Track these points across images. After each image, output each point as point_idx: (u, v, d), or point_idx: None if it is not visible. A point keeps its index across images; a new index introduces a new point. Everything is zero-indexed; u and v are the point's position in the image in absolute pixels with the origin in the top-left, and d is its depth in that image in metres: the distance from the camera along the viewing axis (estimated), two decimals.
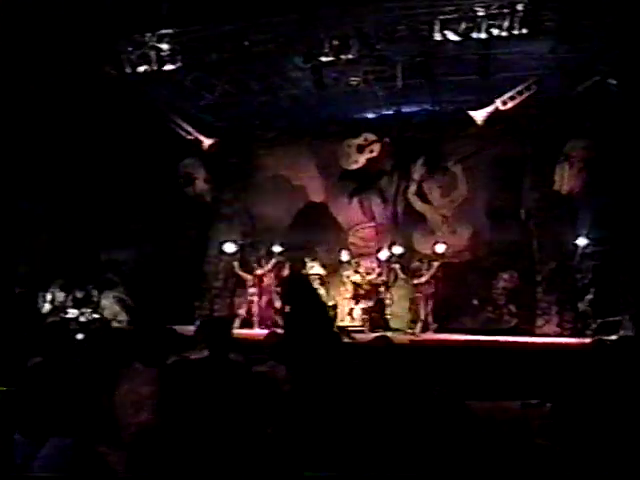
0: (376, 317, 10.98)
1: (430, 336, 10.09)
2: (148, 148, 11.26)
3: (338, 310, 10.80)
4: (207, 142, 10.97)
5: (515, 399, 4.20)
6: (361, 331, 10.37)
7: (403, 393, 2.86)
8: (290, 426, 2.83)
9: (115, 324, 11.08)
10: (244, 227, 12.40)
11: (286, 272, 10.91)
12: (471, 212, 11.50)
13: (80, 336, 6.23)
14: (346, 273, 11.38)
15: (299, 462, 2.61)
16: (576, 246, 10.48)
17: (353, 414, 2.69)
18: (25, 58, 8.63)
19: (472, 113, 10.05)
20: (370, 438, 2.57)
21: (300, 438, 2.73)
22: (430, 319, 10.57)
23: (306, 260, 11.52)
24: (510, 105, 9.81)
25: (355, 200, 12.18)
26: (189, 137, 10.87)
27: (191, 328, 5.48)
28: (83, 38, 8.85)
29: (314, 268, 11.39)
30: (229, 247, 11.53)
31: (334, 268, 11.72)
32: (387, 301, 11.23)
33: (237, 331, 8.67)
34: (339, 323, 10.49)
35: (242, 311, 11.12)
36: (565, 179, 10.54)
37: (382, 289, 11.22)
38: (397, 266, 11.18)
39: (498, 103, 9.87)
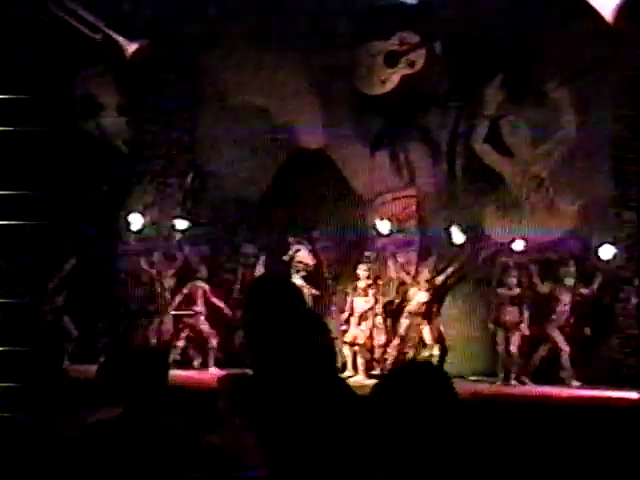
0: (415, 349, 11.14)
1: (518, 389, 10.16)
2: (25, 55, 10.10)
3: (348, 329, 11.05)
4: (129, 47, 11.05)
5: None
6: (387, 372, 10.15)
7: None
8: None
9: None
10: (184, 197, 12.28)
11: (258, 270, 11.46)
12: (585, 171, 11.18)
13: None
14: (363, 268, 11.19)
15: None
16: None
17: None
18: None
19: (596, 2, 9.56)
20: None
21: None
22: (518, 359, 10.60)
23: (290, 240, 11.64)
24: None
25: (383, 151, 11.86)
26: (96, 37, 11.00)
27: (93, 368, 5.09)
28: None
29: (300, 253, 11.63)
30: (136, 221, 11.68)
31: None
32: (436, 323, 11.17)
33: (175, 372, 8.40)
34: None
35: (181, 341, 11.50)
36: None
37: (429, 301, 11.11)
38: (452, 267, 11.11)
39: None
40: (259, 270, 11.31)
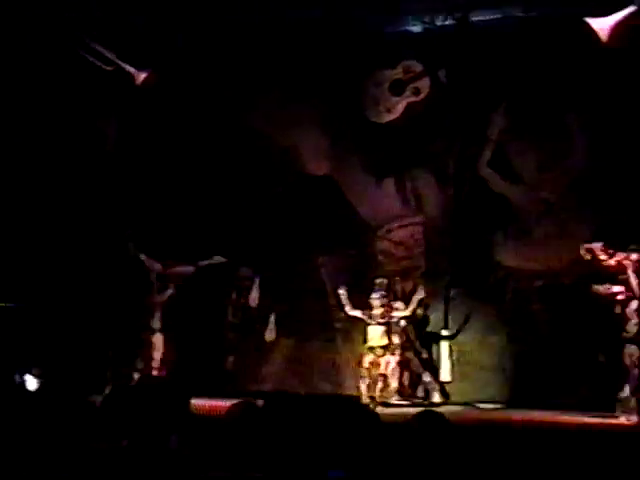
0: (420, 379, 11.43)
1: (514, 415, 10.23)
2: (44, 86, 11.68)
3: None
4: (139, 76, 11.38)
5: None
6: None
7: None
8: None
9: None
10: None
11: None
12: (594, 197, 11.24)
13: None
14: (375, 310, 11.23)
15: None
16: None
17: None
18: None
19: (592, 22, 9.99)
20: None
21: None
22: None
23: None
24: None
25: (389, 179, 12.14)
26: (108, 68, 11.30)
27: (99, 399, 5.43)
28: None
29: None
30: None
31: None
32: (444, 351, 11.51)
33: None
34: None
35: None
36: None
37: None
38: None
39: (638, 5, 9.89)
40: (254, 293, 11.85)
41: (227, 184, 12.36)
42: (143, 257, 12.05)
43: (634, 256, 10.08)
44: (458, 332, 11.42)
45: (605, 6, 10.05)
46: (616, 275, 10.33)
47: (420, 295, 11.26)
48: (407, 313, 11.24)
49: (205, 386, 10.24)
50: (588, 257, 10.44)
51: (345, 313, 11.33)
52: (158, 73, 11.64)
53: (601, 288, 10.29)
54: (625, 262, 10.13)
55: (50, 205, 12.22)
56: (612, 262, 10.27)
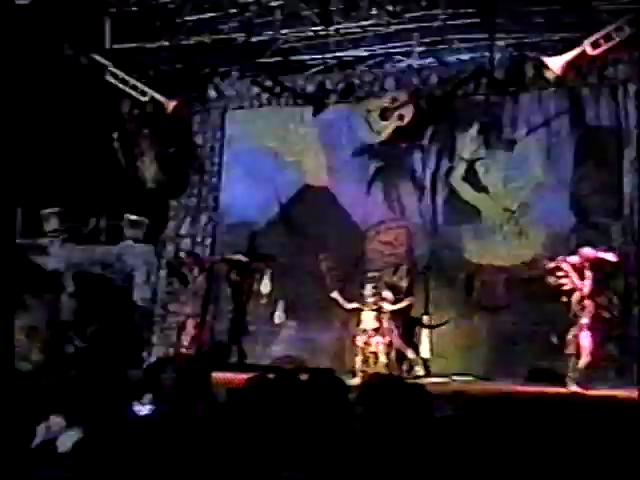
0: (405, 356, 11.45)
1: (484, 386, 10.35)
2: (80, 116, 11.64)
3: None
4: (169, 104, 11.44)
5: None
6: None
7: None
8: None
9: (24, 366, 10.32)
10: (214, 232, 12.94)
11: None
12: (549, 205, 11.44)
13: None
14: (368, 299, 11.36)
15: None
16: None
17: None
18: None
19: (547, 60, 10.10)
20: None
21: None
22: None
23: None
24: (603, 49, 9.68)
25: (377, 189, 12.29)
26: (143, 98, 11.35)
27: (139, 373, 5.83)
28: None
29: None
30: None
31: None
32: (424, 333, 11.61)
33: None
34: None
35: None
36: None
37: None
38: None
39: (586, 45, 9.80)
40: (265, 283, 12.17)
41: (246, 197, 12.61)
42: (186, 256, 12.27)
43: (571, 259, 10.19)
44: (438, 326, 11.45)
45: (556, 49, 10.25)
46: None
47: (410, 301, 11.41)
48: (396, 308, 11.23)
49: (223, 361, 10.75)
50: (551, 265, 10.40)
51: (344, 309, 11.39)
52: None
53: (552, 280, 10.33)
54: (564, 265, 10.20)
55: None
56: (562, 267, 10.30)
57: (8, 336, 5.81)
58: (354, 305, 11.21)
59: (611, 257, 10.36)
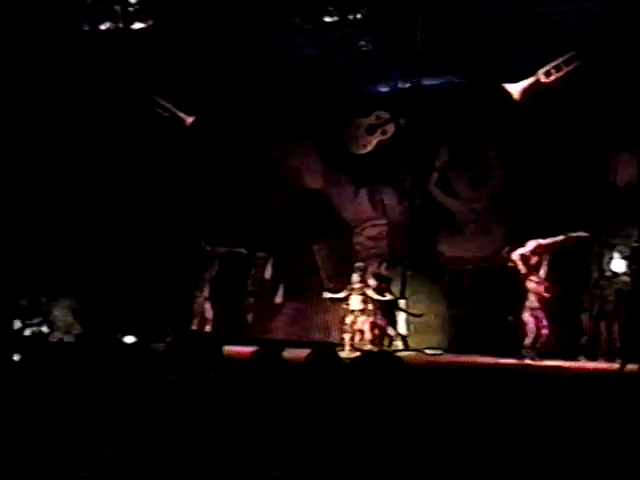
0: (386, 333, 11.42)
1: (452, 358, 10.46)
2: (114, 129, 11.69)
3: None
4: (188, 119, 11.65)
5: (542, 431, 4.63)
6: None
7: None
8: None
9: (68, 338, 10.89)
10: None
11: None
12: (508, 207, 11.59)
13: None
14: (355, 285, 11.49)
15: None
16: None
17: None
18: None
19: (508, 86, 10.30)
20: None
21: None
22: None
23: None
24: (554, 77, 9.96)
25: (364, 192, 12.41)
26: (166, 114, 11.49)
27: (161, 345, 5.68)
28: None
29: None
30: None
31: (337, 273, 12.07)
32: (402, 314, 11.55)
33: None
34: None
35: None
36: (622, 169, 10.60)
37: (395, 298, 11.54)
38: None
39: (540, 74, 10.06)
40: (268, 269, 12.35)
41: (255, 194, 12.58)
42: (207, 246, 12.24)
43: (520, 250, 10.40)
44: (414, 315, 11.40)
45: (515, 75, 10.47)
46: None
47: (391, 296, 11.40)
48: (380, 299, 11.25)
49: (232, 336, 10.41)
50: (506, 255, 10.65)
51: (338, 299, 11.50)
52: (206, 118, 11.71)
53: (510, 266, 10.58)
54: (515, 257, 10.47)
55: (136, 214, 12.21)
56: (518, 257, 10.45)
57: None
58: (343, 293, 11.34)
59: (560, 237, 10.38)
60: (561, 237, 10.40)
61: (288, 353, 4.29)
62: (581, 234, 10.35)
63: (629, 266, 10.18)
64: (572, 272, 10.75)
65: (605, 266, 10.49)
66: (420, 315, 11.37)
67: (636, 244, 10.01)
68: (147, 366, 4.51)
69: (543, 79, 9.90)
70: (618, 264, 10.32)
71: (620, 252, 10.36)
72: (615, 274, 10.32)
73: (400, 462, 2.92)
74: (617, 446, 4.08)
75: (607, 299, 10.41)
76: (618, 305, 10.25)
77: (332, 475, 2.93)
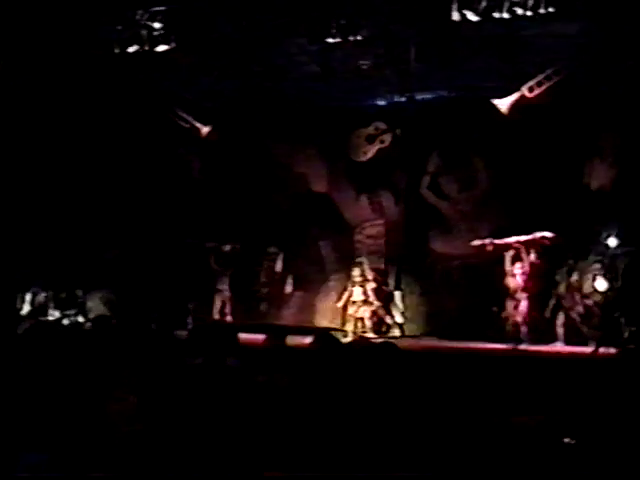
0: (384, 321, 11.41)
1: (444, 343, 10.44)
2: (140, 138, 11.71)
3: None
4: (204, 129, 11.54)
5: (531, 412, 4.49)
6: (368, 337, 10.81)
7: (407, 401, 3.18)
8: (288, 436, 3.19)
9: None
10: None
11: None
12: (493, 209, 11.55)
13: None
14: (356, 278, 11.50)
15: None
16: (607, 247, 10.43)
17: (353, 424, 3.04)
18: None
19: (495, 101, 10.26)
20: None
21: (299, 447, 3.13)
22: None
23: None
24: (537, 92, 9.91)
25: (364, 196, 12.37)
26: (184, 125, 11.40)
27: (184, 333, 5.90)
28: (69, 17, 9.45)
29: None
30: None
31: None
32: (398, 304, 11.57)
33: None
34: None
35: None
36: (595, 174, 10.58)
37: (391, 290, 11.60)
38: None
39: (524, 90, 10.08)
40: (279, 263, 12.32)
41: (266, 197, 12.56)
42: (227, 247, 12.16)
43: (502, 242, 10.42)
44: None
45: (500, 90, 10.45)
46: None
47: (388, 289, 11.46)
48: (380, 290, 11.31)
49: (246, 323, 10.56)
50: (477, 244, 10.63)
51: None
52: (222, 128, 11.61)
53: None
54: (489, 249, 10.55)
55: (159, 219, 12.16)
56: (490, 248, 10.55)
57: None
58: (346, 294, 11.38)
59: (547, 234, 10.26)
60: (530, 236, 10.37)
61: (291, 340, 4.42)
62: (547, 234, 10.30)
63: (610, 282, 10.00)
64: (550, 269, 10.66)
65: (585, 282, 10.26)
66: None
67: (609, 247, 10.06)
68: (172, 351, 4.57)
69: (527, 94, 9.86)
70: (600, 283, 10.10)
71: (600, 264, 10.13)
72: (597, 291, 10.12)
73: (399, 440, 2.97)
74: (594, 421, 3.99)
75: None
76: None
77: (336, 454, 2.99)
